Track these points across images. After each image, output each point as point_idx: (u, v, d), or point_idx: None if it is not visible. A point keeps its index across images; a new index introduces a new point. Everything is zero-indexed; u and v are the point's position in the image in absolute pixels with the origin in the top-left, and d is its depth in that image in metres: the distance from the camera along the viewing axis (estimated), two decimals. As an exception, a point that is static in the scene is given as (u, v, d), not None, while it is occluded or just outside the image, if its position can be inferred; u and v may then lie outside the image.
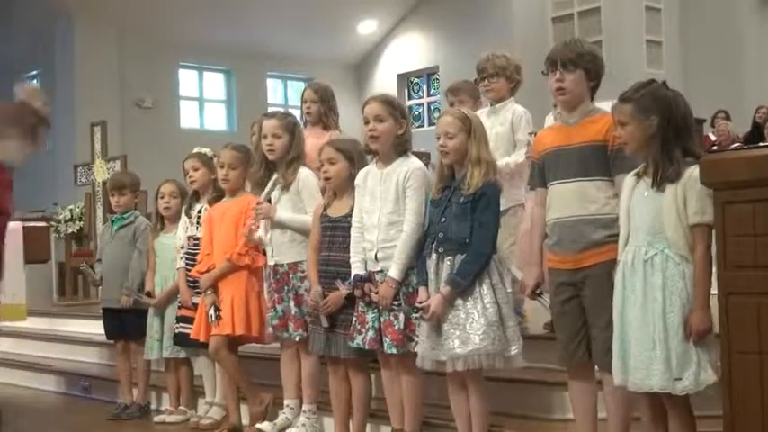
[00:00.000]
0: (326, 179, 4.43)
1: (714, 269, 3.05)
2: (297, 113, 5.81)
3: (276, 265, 4.68)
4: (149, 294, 5.60)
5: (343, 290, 4.22)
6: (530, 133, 4.86)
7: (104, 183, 9.26)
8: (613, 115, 3.33)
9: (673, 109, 3.24)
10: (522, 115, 4.97)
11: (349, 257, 4.22)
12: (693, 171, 3.13)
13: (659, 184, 3.20)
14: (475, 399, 3.84)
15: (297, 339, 4.61)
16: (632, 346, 3.20)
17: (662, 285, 3.15)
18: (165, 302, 5.53)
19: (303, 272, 4.56)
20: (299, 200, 4.66)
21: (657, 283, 3.16)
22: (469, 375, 3.80)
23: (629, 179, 3.34)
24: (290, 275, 4.61)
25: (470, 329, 3.70)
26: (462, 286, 3.73)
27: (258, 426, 4.77)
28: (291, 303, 4.59)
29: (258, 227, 4.72)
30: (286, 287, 4.63)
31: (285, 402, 4.81)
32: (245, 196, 5.01)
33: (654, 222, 3.20)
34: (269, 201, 4.70)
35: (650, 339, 3.14)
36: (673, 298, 3.13)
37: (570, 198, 3.55)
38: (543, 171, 3.69)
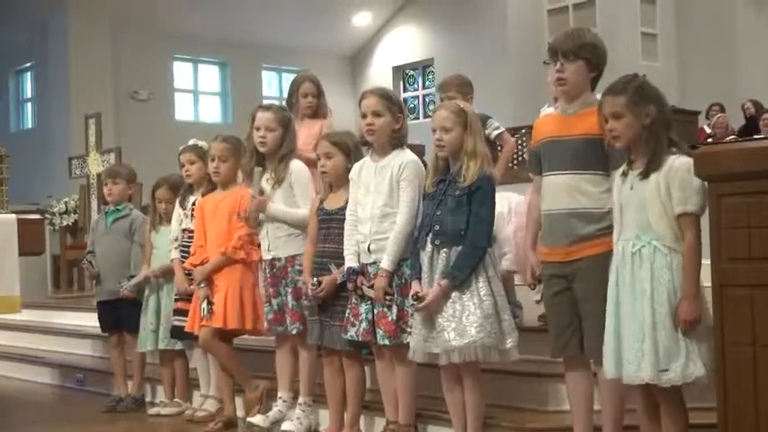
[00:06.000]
0: (323, 173, 4.43)
1: (708, 261, 3.05)
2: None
3: (273, 259, 4.65)
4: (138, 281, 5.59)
5: (336, 273, 4.23)
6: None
7: (99, 175, 9.26)
8: (602, 109, 3.30)
9: (662, 100, 3.26)
10: None
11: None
12: (675, 161, 3.15)
13: (646, 174, 3.19)
14: (470, 392, 3.85)
15: (294, 333, 4.59)
16: (625, 339, 3.20)
17: (650, 277, 3.15)
18: (153, 277, 5.51)
19: (301, 265, 4.53)
20: (292, 194, 4.64)
21: (645, 276, 3.16)
22: (465, 368, 3.80)
23: (617, 178, 3.33)
24: (288, 269, 4.59)
25: (466, 322, 3.70)
26: (460, 279, 3.73)
27: (250, 419, 4.76)
28: (290, 297, 4.57)
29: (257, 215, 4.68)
30: (283, 281, 4.61)
31: (279, 395, 4.80)
32: (238, 188, 4.98)
33: (640, 215, 3.20)
34: (260, 193, 4.66)
35: (640, 332, 3.14)
36: (660, 289, 3.13)
37: (562, 191, 3.54)
38: (540, 159, 3.68)
